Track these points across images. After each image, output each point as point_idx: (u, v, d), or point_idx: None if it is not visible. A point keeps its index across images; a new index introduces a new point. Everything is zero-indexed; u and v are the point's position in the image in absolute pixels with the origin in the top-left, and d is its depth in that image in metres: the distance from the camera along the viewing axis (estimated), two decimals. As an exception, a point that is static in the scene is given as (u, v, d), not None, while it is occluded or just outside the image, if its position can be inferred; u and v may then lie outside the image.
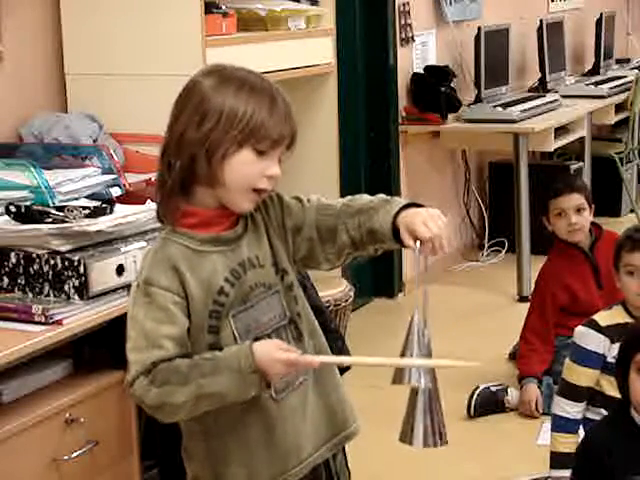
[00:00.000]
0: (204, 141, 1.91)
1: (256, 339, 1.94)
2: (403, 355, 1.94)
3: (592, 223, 4.30)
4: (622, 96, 6.70)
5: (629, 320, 2.97)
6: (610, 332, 2.98)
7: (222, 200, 1.96)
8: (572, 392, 3.03)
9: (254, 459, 2.00)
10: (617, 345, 2.62)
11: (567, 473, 2.73)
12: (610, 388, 2.89)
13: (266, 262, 2.01)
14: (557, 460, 3.03)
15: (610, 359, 2.92)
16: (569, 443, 2.97)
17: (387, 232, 1.99)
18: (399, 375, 1.93)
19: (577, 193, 4.28)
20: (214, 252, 1.95)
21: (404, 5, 5.56)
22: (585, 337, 3.01)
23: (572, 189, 4.30)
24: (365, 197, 2.07)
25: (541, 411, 4.00)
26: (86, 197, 2.96)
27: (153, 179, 3.24)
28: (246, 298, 1.97)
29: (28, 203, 2.75)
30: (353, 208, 2.04)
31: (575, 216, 4.23)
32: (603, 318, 3.02)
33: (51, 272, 2.57)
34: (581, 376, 3.02)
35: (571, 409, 3.02)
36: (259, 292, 1.99)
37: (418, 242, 1.96)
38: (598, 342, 2.99)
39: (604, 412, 2.95)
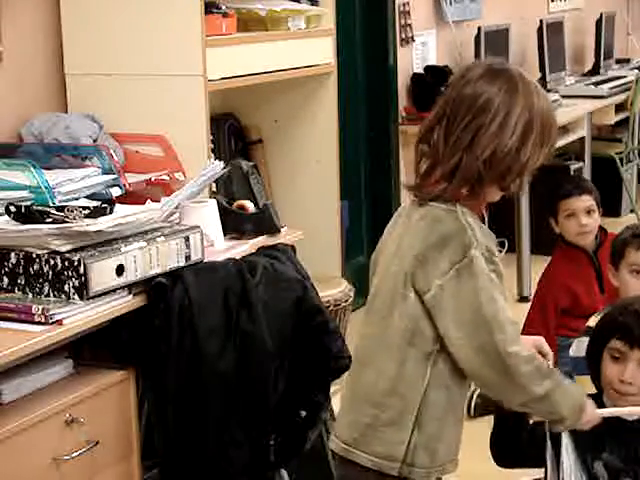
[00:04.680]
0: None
1: None
2: None
3: (598, 227, 4.31)
4: (622, 96, 6.71)
5: None
6: None
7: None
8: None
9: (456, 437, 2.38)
10: None
11: None
12: None
13: None
14: None
15: None
16: None
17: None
18: None
19: (587, 194, 4.28)
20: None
21: (404, 5, 5.56)
22: (583, 345, 3.00)
23: (582, 190, 4.30)
24: None
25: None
26: (86, 197, 2.96)
27: (153, 179, 3.25)
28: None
29: (28, 203, 2.75)
30: None
31: (585, 218, 4.22)
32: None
33: (51, 272, 2.57)
34: (587, 384, 3.01)
35: None
36: None
37: None
38: None
39: None
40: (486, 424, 4.02)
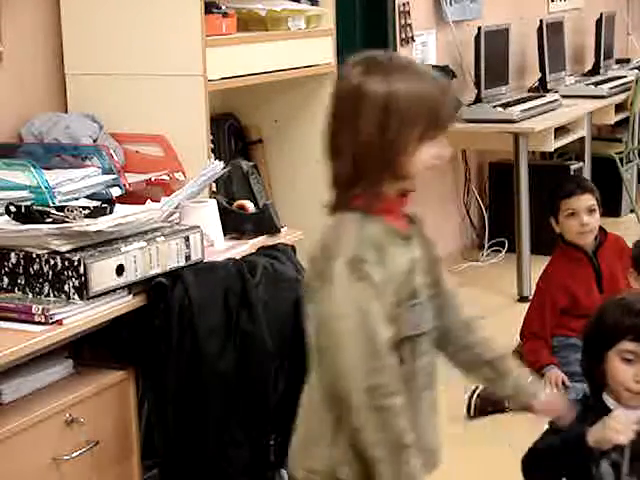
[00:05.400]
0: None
1: (409, 337, 2.00)
2: None
3: (599, 227, 4.31)
4: (622, 96, 6.70)
5: None
6: None
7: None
8: None
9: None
10: None
11: None
12: None
13: (425, 267, 2.08)
14: None
15: None
16: None
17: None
18: None
19: (589, 194, 4.29)
20: (397, 244, 2.00)
21: (404, 5, 5.56)
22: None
23: (584, 190, 4.31)
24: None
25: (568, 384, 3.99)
26: (86, 197, 2.96)
27: (153, 179, 3.25)
28: (415, 294, 2.01)
29: (28, 203, 2.75)
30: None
31: (586, 217, 4.23)
32: None
33: (51, 272, 2.57)
34: None
35: None
36: (423, 292, 2.04)
37: None
38: None
39: None
40: (486, 424, 4.03)
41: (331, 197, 2.04)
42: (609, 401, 2.44)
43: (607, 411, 2.42)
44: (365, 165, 1.95)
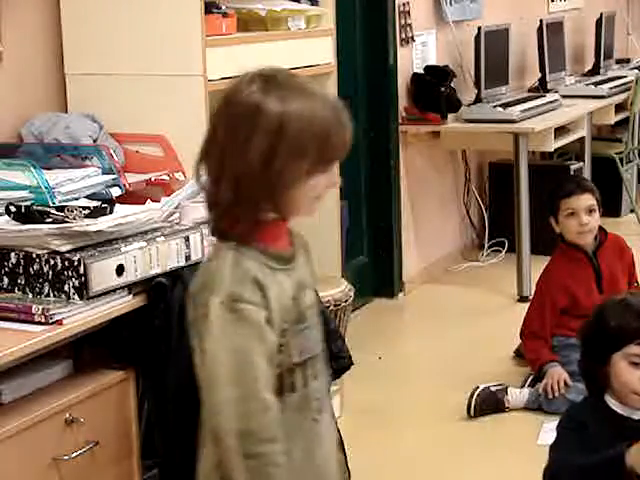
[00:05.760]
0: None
1: (299, 363, 1.92)
2: None
3: (598, 227, 4.31)
4: (622, 96, 6.71)
5: None
6: None
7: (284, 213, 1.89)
8: None
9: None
10: None
11: None
12: None
13: (311, 286, 2.00)
14: None
15: None
16: None
17: None
18: None
19: (588, 194, 4.29)
20: (280, 269, 1.90)
21: (404, 5, 5.56)
22: None
23: (584, 189, 4.31)
24: None
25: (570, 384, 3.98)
26: (86, 197, 2.96)
27: (153, 179, 3.25)
28: (302, 318, 1.93)
29: (28, 203, 2.75)
30: None
31: (586, 216, 4.23)
32: None
33: (51, 272, 2.57)
34: None
35: None
36: (311, 314, 1.97)
37: None
38: None
39: None
40: (486, 424, 4.03)
41: (209, 219, 1.90)
42: (612, 402, 2.43)
43: (610, 413, 2.41)
44: (247, 192, 1.81)
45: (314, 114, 1.81)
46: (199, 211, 3.05)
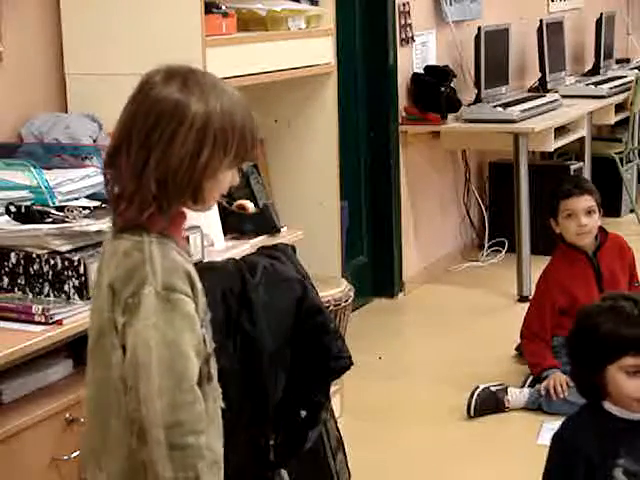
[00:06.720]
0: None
1: (212, 352, 1.95)
2: None
3: (599, 227, 4.31)
4: (622, 96, 6.71)
5: None
6: None
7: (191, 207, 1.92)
8: None
9: None
10: None
11: None
12: None
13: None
14: None
15: None
16: None
17: None
18: None
19: (588, 195, 4.29)
20: (189, 262, 1.93)
21: (404, 5, 5.56)
22: None
23: (583, 191, 4.31)
24: None
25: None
26: (86, 197, 2.96)
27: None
28: (206, 309, 1.97)
29: (28, 203, 2.75)
30: None
31: (585, 218, 4.23)
32: None
33: (51, 272, 2.57)
34: None
35: None
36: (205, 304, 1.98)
37: None
38: None
39: None
40: (486, 424, 4.03)
41: (114, 216, 1.91)
42: (613, 409, 2.39)
43: (611, 418, 2.38)
44: (168, 188, 1.83)
45: (234, 111, 1.87)
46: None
